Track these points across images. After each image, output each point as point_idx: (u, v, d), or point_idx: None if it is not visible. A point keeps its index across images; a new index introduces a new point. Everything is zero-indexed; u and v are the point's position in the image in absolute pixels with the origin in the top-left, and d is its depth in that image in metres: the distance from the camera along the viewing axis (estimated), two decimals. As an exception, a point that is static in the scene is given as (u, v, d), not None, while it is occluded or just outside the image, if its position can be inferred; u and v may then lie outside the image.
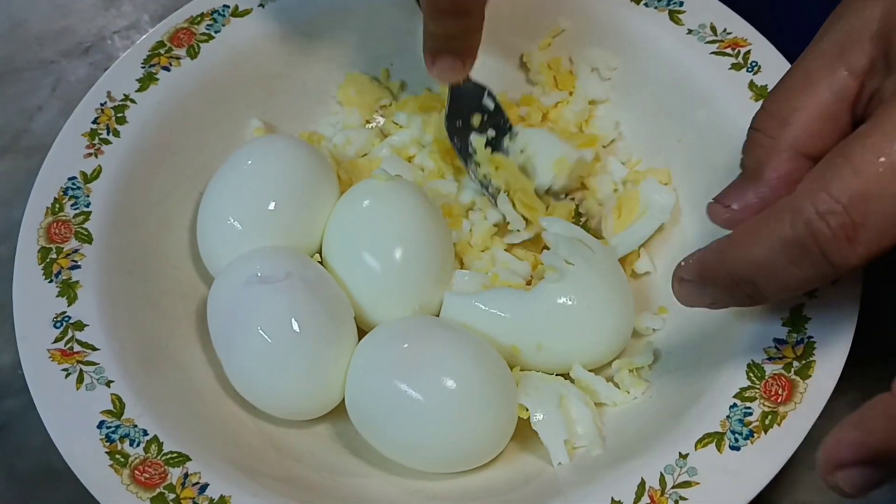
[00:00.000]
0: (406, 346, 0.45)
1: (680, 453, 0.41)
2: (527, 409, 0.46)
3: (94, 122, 0.52)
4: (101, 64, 0.65)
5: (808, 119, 0.40)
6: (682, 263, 0.41)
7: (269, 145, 0.52)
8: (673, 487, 0.40)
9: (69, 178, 0.50)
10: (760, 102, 0.48)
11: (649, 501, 0.40)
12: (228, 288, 0.47)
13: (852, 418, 0.35)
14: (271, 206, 0.50)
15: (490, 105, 0.55)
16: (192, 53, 0.55)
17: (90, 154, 0.51)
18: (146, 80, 0.54)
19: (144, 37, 0.55)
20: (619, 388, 0.47)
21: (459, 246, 0.53)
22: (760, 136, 0.42)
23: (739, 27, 0.52)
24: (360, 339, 0.47)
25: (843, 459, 0.34)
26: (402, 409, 0.44)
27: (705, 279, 0.40)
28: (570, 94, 0.57)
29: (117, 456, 0.42)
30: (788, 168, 0.41)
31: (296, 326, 0.45)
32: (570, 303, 0.47)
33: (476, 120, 0.54)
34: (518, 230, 0.52)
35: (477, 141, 0.54)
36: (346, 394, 0.46)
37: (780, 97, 0.42)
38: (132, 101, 0.53)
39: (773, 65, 0.51)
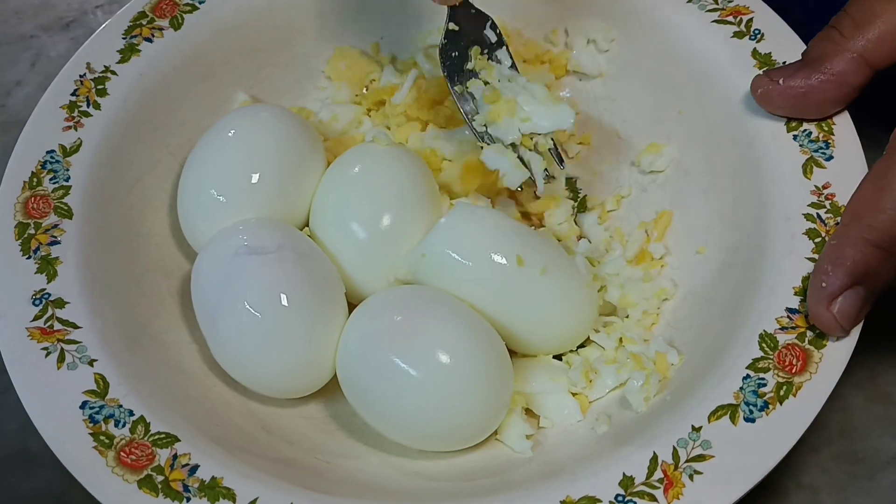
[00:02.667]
0: (399, 318, 0.44)
1: (693, 426, 0.39)
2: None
3: (74, 94, 0.50)
4: (82, 39, 0.62)
5: (884, 28, 0.42)
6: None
7: (253, 114, 0.50)
8: (687, 461, 0.38)
9: (48, 152, 0.48)
10: (764, 71, 0.48)
11: (662, 476, 0.38)
12: (215, 260, 0.45)
13: (828, 257, 0.40)
14: (255, 177, 0.48)
15: (492, 37, 0.50)
16: (176, 24, 0.53)
17: (69, 127, 0.49)
18: (127, 52, 0.52)
19: (125, 7, 0.53)
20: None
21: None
22: (834, 32, 0.44)
23: (741, -5, 0.51)
24: (350, 312, 0.46)
25: (834, 290, 0.39)
26: (395, 383, 0.42)
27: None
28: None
29: (102, 437, 0.40)
30: (847, 68, 0.43)
31: (286, 300, 0.44)
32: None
33: (475, 53, 0.50)
34: (518, 188, 0.49)
35: (476, 60, 0.50)
36: (337, 366, 0.45)
37: (861, 3, 0.43)
38: (113, 72, 0.51)
39: (776, 33, 0.49)
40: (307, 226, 0.50)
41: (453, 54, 0.50)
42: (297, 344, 0.44)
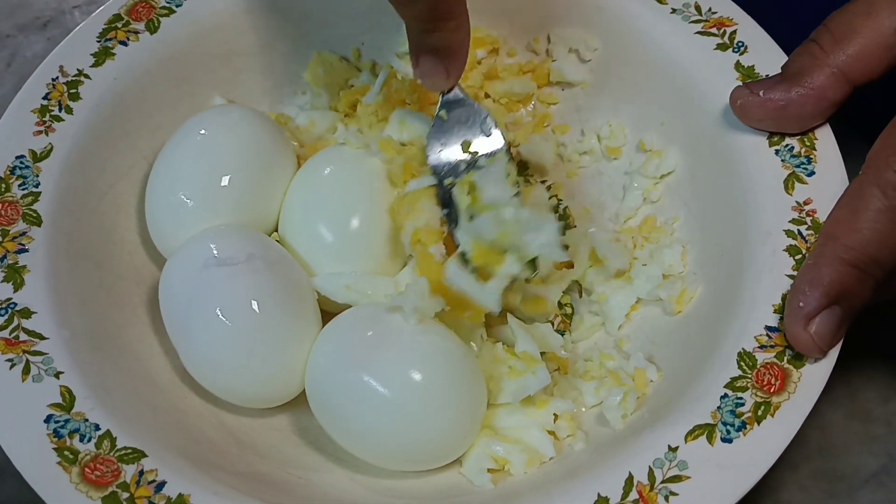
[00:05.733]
0: (370, 333, 0.43)
1: (669, 446, 0.38)
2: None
3: (45, 97, 0.49)
4: (58, 39, 0.61)
5: (863, 43, 0.42)
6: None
7: (222, 116, 0.50)
8: (663, 482, 0.38)
9: (17, 157, 0.47)
10: (743, 83, 0.47)
11: (638, 497, 0.37)
12: (184, 270, 0.45)
13: (805, 277, 0.40)
14: (225, 180, 0.47)
15: (488, 130, 0.48)
16: (152, 28, 0.52)
17: (40, 132, 0.48)
18: (102, 55, 0.51)
19: (100, 9, 0.52)
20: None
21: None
22: (814, 46, 0.44)
23: (725, 6, 0.50)
24: (322, 319, 0.45)
25: (811, 311, 0.39)
26: (363, 400, 0.41)
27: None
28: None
29: (66, 452, 0.39)
30: (826, 83, 0.43)
31: (258, 310, 0.43)
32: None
33: (466, 146, 0.48)
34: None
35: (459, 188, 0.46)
36: (306, 381, 0.44)
37: (841, 18, 0.43)
38: (86, 76, 0.50)
39: (759, 45, 0.49)
40: (276, 230, 0.49)
41: (439, 147, 0.48)
42: (268, 353, 0.43)
